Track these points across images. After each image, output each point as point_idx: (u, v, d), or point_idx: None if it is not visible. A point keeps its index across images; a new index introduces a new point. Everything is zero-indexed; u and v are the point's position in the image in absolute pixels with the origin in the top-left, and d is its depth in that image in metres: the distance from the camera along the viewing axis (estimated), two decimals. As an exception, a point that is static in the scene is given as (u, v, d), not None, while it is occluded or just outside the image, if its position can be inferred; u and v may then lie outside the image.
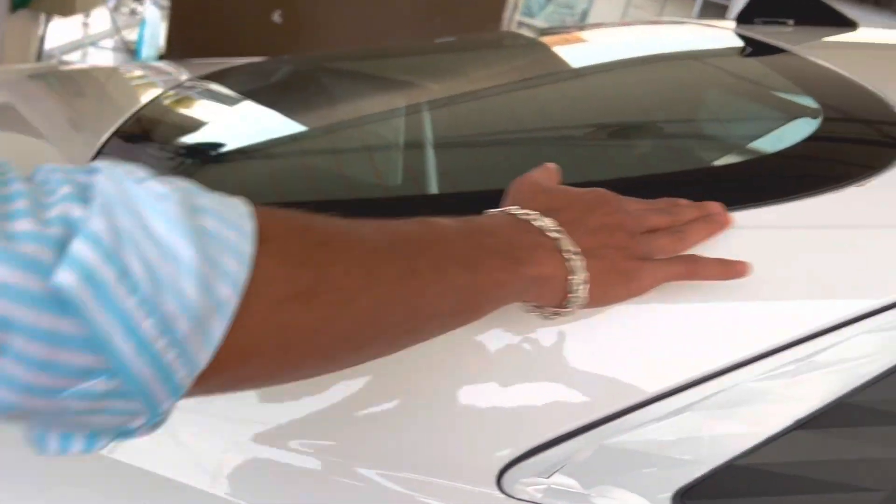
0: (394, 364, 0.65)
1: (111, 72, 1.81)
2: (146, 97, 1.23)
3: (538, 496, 0.65)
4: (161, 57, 3.72)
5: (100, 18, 3.72)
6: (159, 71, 1.70)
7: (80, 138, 1.08)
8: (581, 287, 0.54)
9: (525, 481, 0.65)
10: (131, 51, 3.72)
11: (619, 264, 0.57)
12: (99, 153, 0.94)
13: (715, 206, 0.66)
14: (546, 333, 0.66)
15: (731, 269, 0.62)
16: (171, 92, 1.28)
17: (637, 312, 0.66)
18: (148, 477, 0.62)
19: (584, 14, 11.70)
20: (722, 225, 0.65)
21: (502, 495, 0.65)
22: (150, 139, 1.09)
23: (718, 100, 1.03)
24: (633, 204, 0.62)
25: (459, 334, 0.66)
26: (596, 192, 0.60)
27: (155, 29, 3.67)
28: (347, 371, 0.64)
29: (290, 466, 0.64)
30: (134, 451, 0.62)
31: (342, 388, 0.65)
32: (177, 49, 3.65)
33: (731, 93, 1.05)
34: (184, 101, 1.28)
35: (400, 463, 0.65)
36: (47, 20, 3.07)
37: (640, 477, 0.66)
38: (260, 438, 0.65)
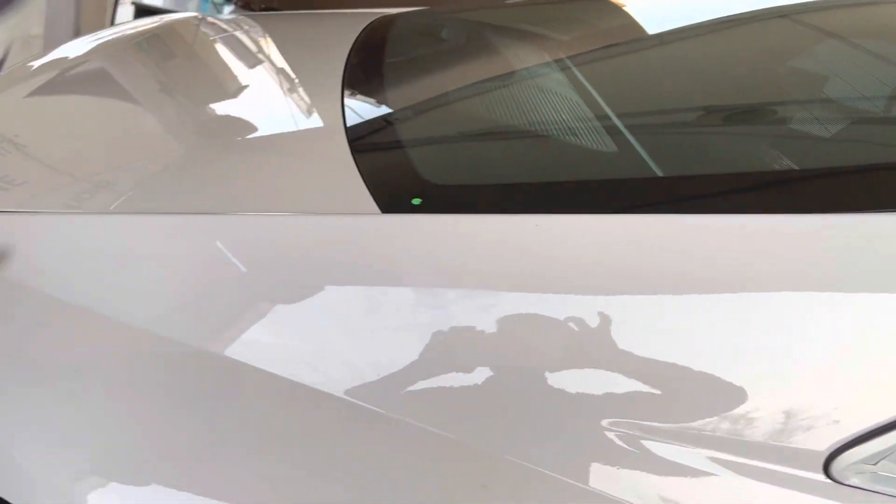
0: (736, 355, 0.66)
1: (194, 31, 1.71)
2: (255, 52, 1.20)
3: (864, 483, 0.66)
4: (227, 1, 3.66)
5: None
6: (235, 26, 1.65)
7: (174, 103, 1.06)
8: None
9: (852, 468, 0.66)
10: (197, -7, 3.67)
11: None
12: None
13: None
14: (869, 321, 0.66)
15: None
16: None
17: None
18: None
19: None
20: None
21: (828, 480, 0.66)
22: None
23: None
24: None
25: (774, 323, 0.66)
26: None
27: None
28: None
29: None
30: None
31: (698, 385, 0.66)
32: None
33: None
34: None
35: (730, 446, 0.66)
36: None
37: (969, 465, 0.66)
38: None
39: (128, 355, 0.68)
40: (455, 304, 0.68)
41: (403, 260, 0.70)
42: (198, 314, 0.68)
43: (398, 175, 0.80)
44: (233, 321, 0.66)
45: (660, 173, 0.81)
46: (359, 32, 1.30)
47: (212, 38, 1.37)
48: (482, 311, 0.68)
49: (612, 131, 0.89)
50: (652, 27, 1.27)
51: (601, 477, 0.66)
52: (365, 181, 0.76)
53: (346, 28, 1.51)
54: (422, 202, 0.74)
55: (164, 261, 0.71)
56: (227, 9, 3.60)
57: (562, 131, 0.90)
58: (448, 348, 0.66)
